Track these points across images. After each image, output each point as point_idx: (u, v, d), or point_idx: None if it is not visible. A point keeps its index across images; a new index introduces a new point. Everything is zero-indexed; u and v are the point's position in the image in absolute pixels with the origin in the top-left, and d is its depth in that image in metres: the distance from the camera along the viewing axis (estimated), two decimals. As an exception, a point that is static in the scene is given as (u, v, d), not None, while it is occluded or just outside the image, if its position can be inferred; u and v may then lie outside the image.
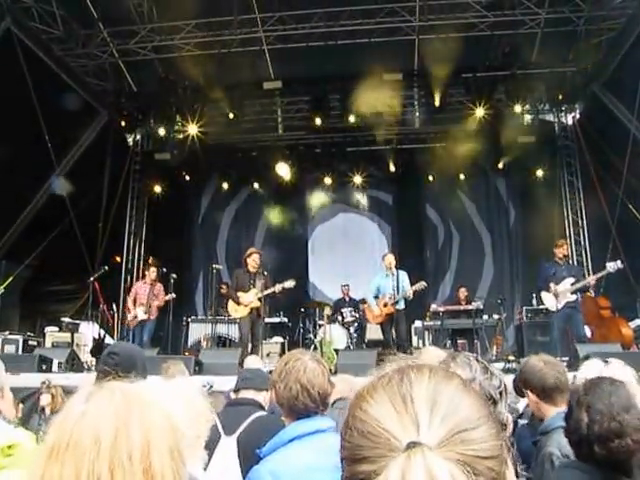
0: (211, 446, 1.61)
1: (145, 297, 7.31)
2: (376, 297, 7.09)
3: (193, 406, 1.40)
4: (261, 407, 2.44)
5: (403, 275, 6.95)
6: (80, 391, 0.76)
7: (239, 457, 2.16)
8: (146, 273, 7.55)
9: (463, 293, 8.61)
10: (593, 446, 1.36)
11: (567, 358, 5.72)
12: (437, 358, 2.10)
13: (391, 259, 7.04)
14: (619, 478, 1.34)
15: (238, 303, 6.64)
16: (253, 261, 6.70)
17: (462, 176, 9.99)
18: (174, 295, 7.52)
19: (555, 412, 1.92)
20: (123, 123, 9.89)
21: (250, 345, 6.62)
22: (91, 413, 0.71)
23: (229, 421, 2.23)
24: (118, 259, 9.89)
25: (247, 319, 6.63)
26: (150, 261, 7.90)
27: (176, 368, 3.77)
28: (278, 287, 6.65)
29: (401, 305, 6.91)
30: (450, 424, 0.51)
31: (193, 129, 9.28)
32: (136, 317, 7.30)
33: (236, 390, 2.58)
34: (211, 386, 3.99)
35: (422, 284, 6.83)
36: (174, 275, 7.50)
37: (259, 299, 6.56)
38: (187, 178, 10.45)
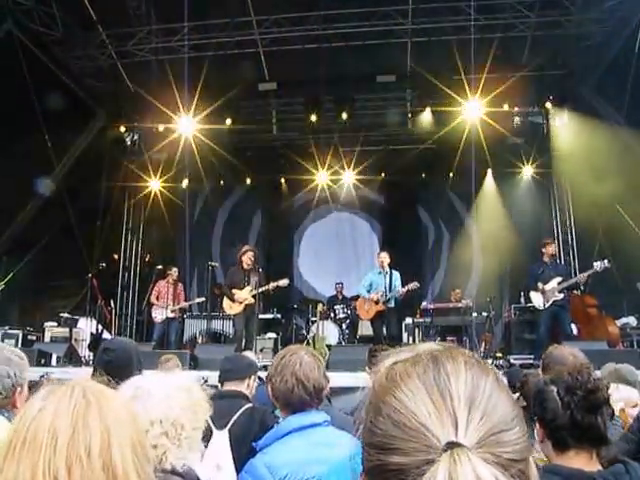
0: (203, 440, 1.57)
1: (169, 296, 7.65)
2: (368, 292, 7.24)
3: (191, 398, 1.41)
4: (246, 398, 2.48)
5: (396, 275, 7.09)
6: (41, 389, 0.75)
7: (232, 451, 2.19)
8: (168, 273, 7.83)
9: (457, 295, 8.78)
10: (568, 406, 1.43)
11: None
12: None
13: (385, 257, 7.19)
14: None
15: (233, 300, 6.78)
16: (248, 258, 6.80)
17: (453, 176, 10.13)
18: (203, 298, 7.95)
19: None
20: (121, 123, 10.05)
21: (244, 341, 6.77)
22: (48, 409, 0.70)
23: (217, 415, 2.15)
24: (116, 256, 10.06)
25: (241, 315, 6.75)
26: (153, 262, 8.20)
27: (172, 362, 3.90)
28: (272, 285, 6.77)
29: (392, 303, 7.07)
30: (488, 424, 0.50)
31: (189, 129, 9.44)
32: (164, 316, 7.64)
33: (220, 382, 2.61)
34: (205, 381, 4.14)
35: (415, 284, 6.95)
36: (175, 269, 7.87)
37: (253, 296, 6.71)
38: (183, 177, 10.60)
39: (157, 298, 7.83)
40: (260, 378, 2.99)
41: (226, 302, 6.87)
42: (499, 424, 0.50)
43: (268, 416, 2.31)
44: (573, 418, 1.43)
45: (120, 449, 0.69)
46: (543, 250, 6.88)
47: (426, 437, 0.49)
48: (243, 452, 1.94)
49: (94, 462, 0.67)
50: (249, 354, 4.54)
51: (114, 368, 2.04)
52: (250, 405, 2.41)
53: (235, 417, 2.29)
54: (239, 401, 2.41)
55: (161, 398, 1.35)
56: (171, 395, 1.36)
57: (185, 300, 8.13)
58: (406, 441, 0.50)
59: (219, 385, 2.61)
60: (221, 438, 2.24)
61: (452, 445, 0.48)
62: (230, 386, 2.52)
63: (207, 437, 2.03)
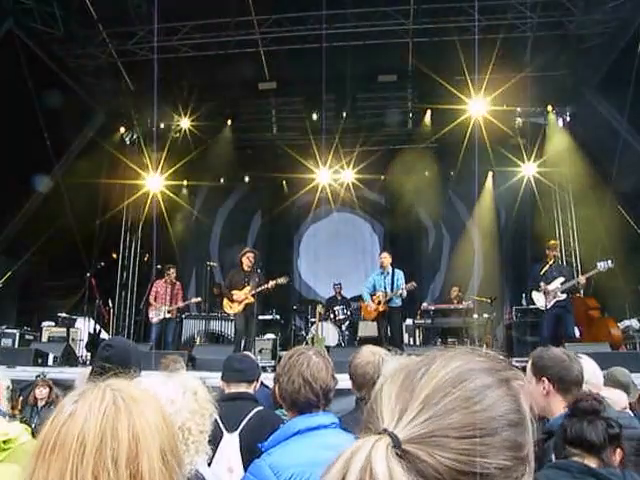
0: (213, 443, 1.58)
1: (166, 296, 7.62)
2: (372, 294, 7.20)
3: (197, 400, 1.39)
4: (256, 400, 2.44)
5: (399, 274, 7.04)
6: (74, 390, 0.76)
7: (242, 454, 2.16)
8: (166, 273, 7.82)
9: (455, 292, 8.73)
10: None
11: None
12: (373, 356, 2.14)
13: (385, 258, 7.16)
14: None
15: (232, 301, 6.75)
16: (247, 260, 6.80)
17: (454, 177, 10.10)
18: (200, 298, 7.93)
19: (562, 407, 1.86)
20: (120, 122, 10.04)
21: (243, 342, 6.74)
22: (79, 414, 0.70)
23: (228, 417, 2.20)
24: (114, 256, 10.02)
25: (241, 316, 6.74)
26: (148, 259, 8.18)
27: (177, 365, 3.82)
28: (271, 283, 6.76)
29: (397, 303, 7.00)
30: (434, 426, 0.50)
31: (189, 128, 9.43)
32: (160, 315, 7.61)
33: (226, 381, 2.53)
34: (204, 382, 4.08)
35: (412, 284, 6.93)
36: (174, 269, 7.85)
37: (252, 295, 6.68)
38: (182, 176, 10.57)
39: (155, 298, 7.79)
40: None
41: (226, 302, 6.84)
42: (448, 430, 0.50)
43: (279, 420, 2.27)
44: (563, 426, 1.56)
45: (148, 459, 0.69)
46: (547, 251, 6.84)
47: (378, 421, 0.53)
48: (254, 456, 1.91)
49: (121, 472, 0.67)
50: (249, 355, 4.48)
51: (112, 364, 2.04)
52: (260, 408, 2.38)
53: (246, 420, 2.27)
54: (250, 403, 2.39)
55: (167, 401, 1.31)
56: (177, 399, 1.33)
57: (183, 300, 8.09)
58: (371, 422, 0.54)
59: (222, 384, 2.54)
60: (232, 441, 2.22)
61: (383, 432, 0.51)
62: (238, 388, 2.46)
63: (217, 439, 2.05)
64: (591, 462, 1.47)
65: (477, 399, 0.52)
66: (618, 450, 1.51)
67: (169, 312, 7.68)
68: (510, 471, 0.51)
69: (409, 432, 0.50)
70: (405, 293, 6.91)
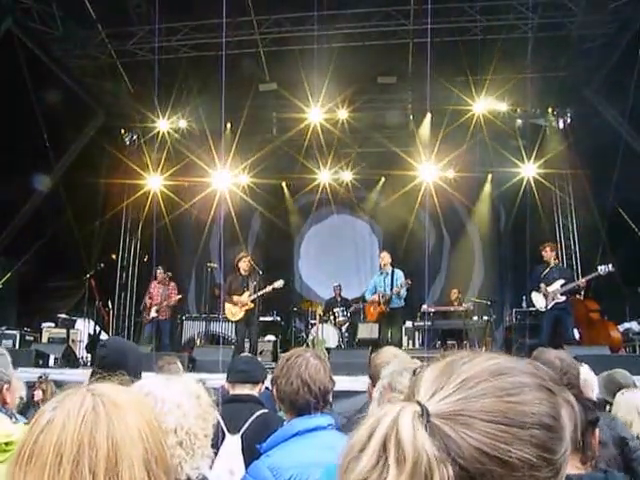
0: (215, 444, 1.55)
1: (159, 297, 7.63)
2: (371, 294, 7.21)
3: (202, 404, 1.38)
4: (260, 403, 2.45)
5: (398, 274, 7.03)
6: (55, 397, 0.72)
7: (244, 455, 2.16)
8: (158, 273, 7.83)
9: (454, 294, 8.73)
10: None
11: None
12: (394, 358, 2.18)
13: (383, 258, 7.16)
14: None
15: (233, 303, 6.79)
16: (244, 263, 6.86)
17: (453, 178, 10.08)
18: (180, 296, 7.94)
19: None
20: (120, 122, 10.02)
21: (248, 345, 6.78)
22: (56, 421, 0.67)
23: (230, 419, 2.22)
24: (114, 257, 10.01)
25: (243, 321, 6.78)
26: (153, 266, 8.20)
27: (173, 366, 3.80)
28: (268, 288, 6.82)
29: (398, 303, 6.99)
30: (464, 405, 0.52)
31: (188, 128, 9.41)
32: (150, 315, 7.65)
33: (231, 382, 2.54)
34: (204, 383, 4.08)
35: (406, 282, 6.91)
36: (169, 273, 7.81)
37: (252, 301, 6.71)
38: (182, 176, 10.55)
39: (150, 299, 7.77)
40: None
41: (228, 309, 6.88)
42: (477, 412, 0.52)
43: (282, 422, 2.23)
44: None
45: (129, 468, 0.65)
46: (542, 253, 6.83)
47: (414, 397, 0.55)
48: (255, 458, 1.94)
49: None
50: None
51: (107, 363, 2.07)
52: (264, 411, 2.37)
53: (249, 422, 2.27)
54: (253, 406, 2.39)
55: (174, 406, 1.31)
56: (183, 403, 1.33)
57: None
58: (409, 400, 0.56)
59: (228, 386, 2.55)
60: (234, 442, 2.22)
61: (416, 402, 0.53)
62: (242, 389, 2.48)
63: (219, 440, 2.07)
64: (575, 460, 1.43)
65: (512, 392, 0.53)
66: (596, 432, 1.49)
67: (157, 312, 7.65)
68: (533, 469, 0.51)
69: (440, 407, 0.52)
70: (403, 292, 6.90)
